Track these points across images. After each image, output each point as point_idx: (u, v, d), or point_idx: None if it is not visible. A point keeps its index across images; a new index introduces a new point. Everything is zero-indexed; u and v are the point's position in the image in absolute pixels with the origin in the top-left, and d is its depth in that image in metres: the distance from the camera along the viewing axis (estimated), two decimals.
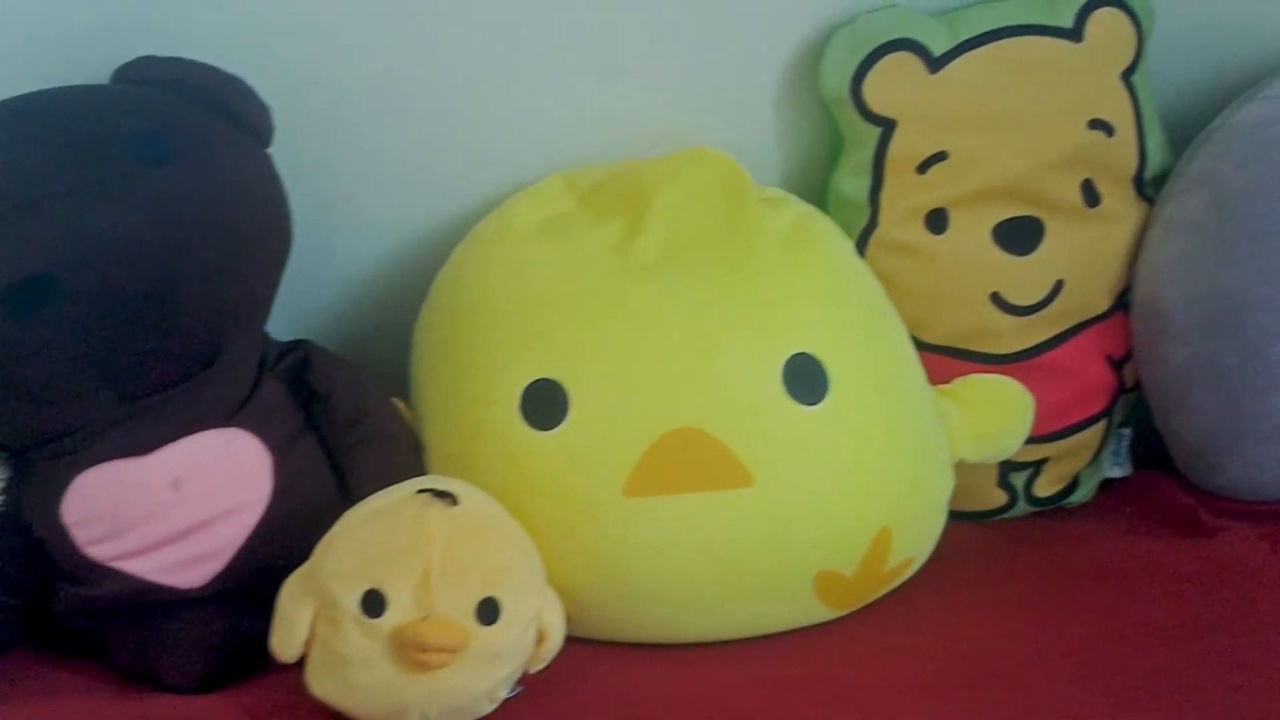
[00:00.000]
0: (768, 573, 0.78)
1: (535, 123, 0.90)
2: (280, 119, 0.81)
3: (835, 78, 0.90)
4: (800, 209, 0.86)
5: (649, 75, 0.92)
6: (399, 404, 0.84)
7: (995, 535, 0.95)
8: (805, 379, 0.78)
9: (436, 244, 0.88)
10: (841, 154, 0.92)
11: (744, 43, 0.92)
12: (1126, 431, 0.99)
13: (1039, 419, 0.93)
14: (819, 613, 0.82)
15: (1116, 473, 1.00)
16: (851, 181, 0.92)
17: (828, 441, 0.78)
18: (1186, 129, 0.96)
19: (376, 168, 0.88)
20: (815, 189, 0.94)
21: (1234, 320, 0.89)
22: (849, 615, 0.84)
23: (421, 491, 0.72)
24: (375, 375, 0.85)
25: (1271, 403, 0.90)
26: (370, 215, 0.89)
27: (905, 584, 0.87)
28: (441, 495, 0.71)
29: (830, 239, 0.85)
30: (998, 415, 0.89)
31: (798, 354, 0.78)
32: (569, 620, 0.77)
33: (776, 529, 0.77)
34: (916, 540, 0.83)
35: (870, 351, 0.82)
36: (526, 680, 0.75)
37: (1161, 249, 0.91)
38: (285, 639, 0.71)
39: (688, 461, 0.76)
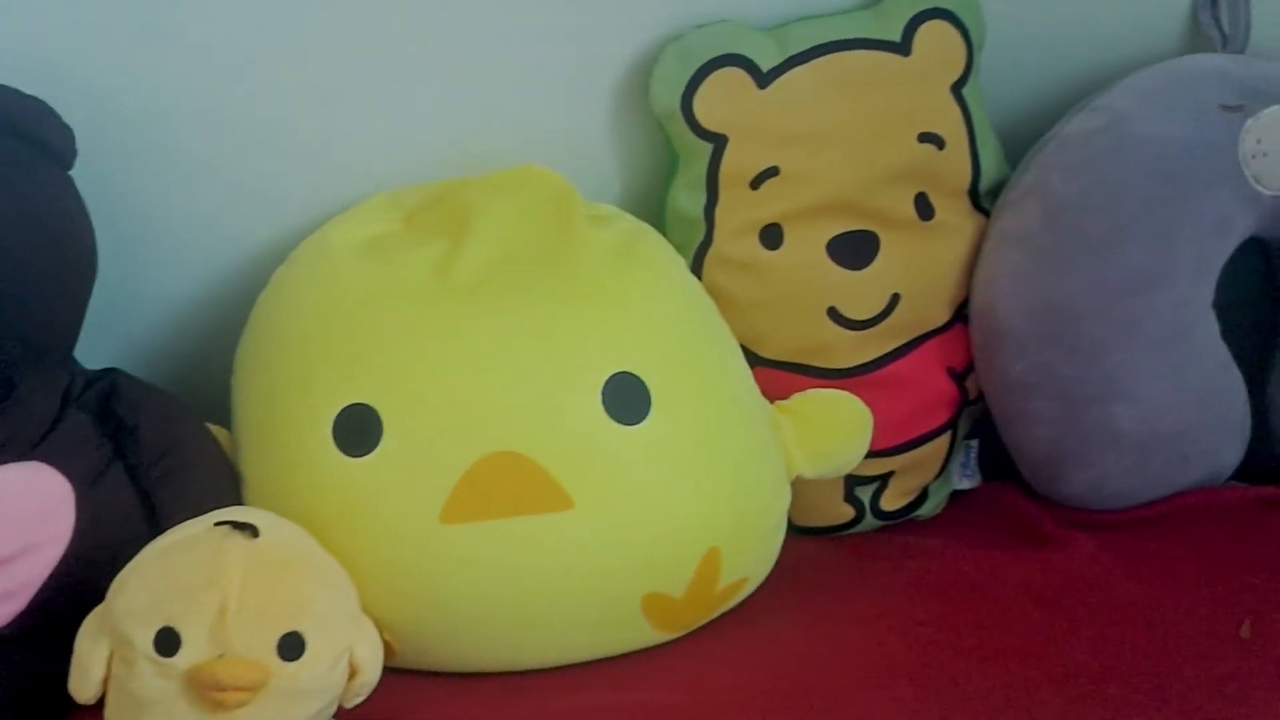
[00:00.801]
0: (593, 597, 0.76)
1: (362, 142, 0.87)
2: (90, 141, 0.78)
3: (666, 94, 0.88)
4: (629, 226, 0.84)
5: (482, 92, 0.89)
6: (219, 433, 0.81)
7: (842, 550, 0.93)
8: (626, 399, 0.76)
9: (261, 267, 0.85)
10: (677, 170, 0.90)
11: (578, 59, 0.90)
12: (974, 443, 0.98)
13: (882, 433, 0.92)
14: (650, 635, 0.79)
15: (965, 484, 0.98)
16: (687, 198, 0.90)
17: (650, 462, 0.76)
18: (1025, 141, 0.95)
19: (195, 190, 0.85)
20: (657, 206, 0.92)
21: (1068, 331, 0.88)
22: (685, 636, 0.82)
23: (220, 524, 0.69)
24: (203, 404, 0.82)
25: (1110, 411, 0.89)
26: (191, 239, 0.86)
27: (745, 602, 0.85)
28: (241, 527, 0.68)
29: (658, 256, 0.83)
30: (835, 431, 0.87)
31: (619, 373, 0.76)
32: (391, 652, 0.74)
33: (599, 552, 0.75)
34: (749, 560, 0.81)
35: (696, 369, 0.79)
36: (342, 716, 0.72)
37: (996, 261, 0.90)
38: (81, 681, 0.68)
39: (505, 486, 0.73)
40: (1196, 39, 0.98)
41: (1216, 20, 0.96)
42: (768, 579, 0.87)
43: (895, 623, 0.84)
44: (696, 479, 0.77)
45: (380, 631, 0.73)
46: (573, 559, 0.75)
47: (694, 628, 0.81)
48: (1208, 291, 0.91)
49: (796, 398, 0.87)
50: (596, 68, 0.90)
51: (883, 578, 0.89)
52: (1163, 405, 0.90)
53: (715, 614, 0.82)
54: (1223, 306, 1.05)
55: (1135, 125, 0.89)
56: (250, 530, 0.68)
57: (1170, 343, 0.89)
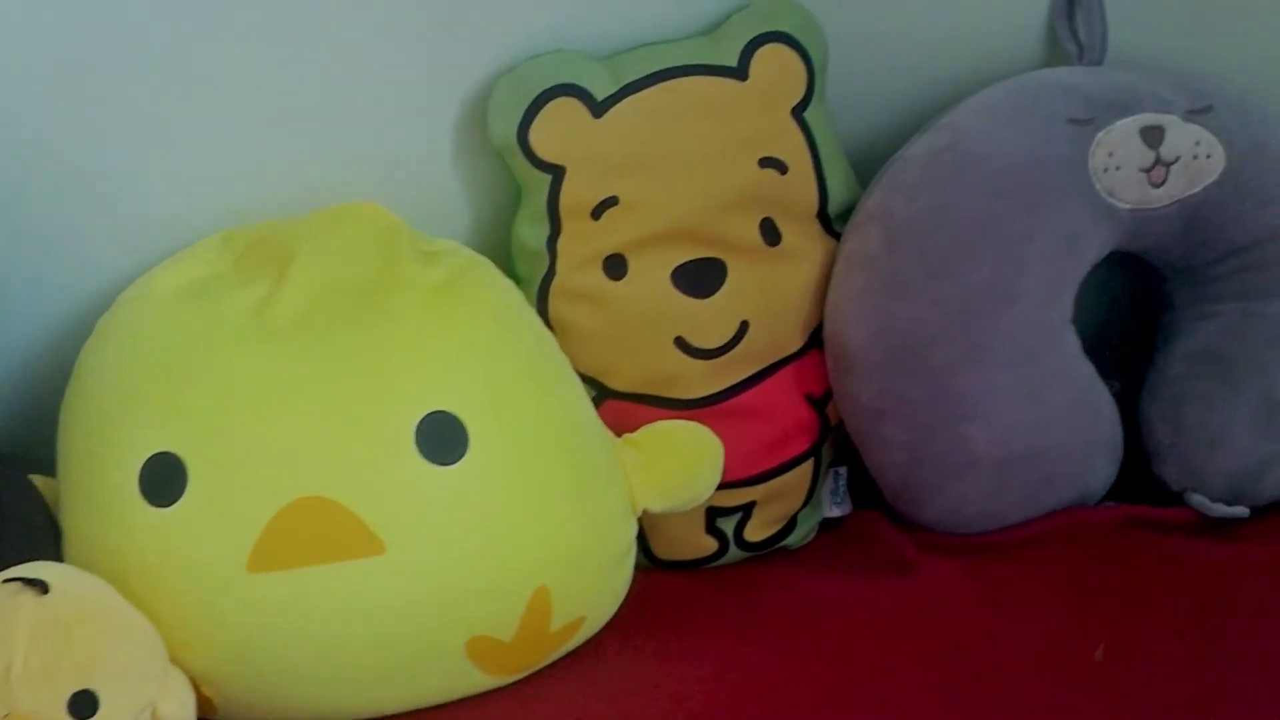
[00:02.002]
0: (414, 643, 0.73)
1: (196, 181, 0.84)
2: None
3: (502, 127, 0.85)
4: (461, 261, 0.81)
5: (323, 128, 0.86)
6: (47, 485, 0.79)
7: (704, 583, 0.90)
8: (441, 438, 0.73)
9: (93, 314, 0.83)
10: (521, 203, 0.88)
11: (419, 93, 0.87)
12: (843, 470, 0.95)
13: (740, 463, 0.89)
14: (481, 681, 0.76)
15: (835, 512, 0.95)
16: (530, 230, 0.87)
17: (467, 502, 0.73)
18: (883, 163, 0.93)
19: (21, 237, 0.83)
20: (508, 239, 0.90)
21: (913, 354, 0.85)
22: (528, 678, 0.79)
23: (10, 580, 0.66)
24: (36, 459, 0.80)
25: (963, 433, 0.86)
26: (17, 287, 0.83)
27: (593, 641, 0.82)
28: (31, 584, 0.66)
29: (486, 291, 0.80)
30: (682, 463, 0.84)
31: (434, 413, 0.73)
32: (211, 707, 0.71)
33: (415, 596, 0.72)
34: (585, 598, 0.79)
35: (518, 406, 0.76)
36: None
37: (841, 286, 0.87)
38: None
39: (314, 532, 0.71)
40: (1055, 52, 0.95)
41: (1074, 32, 0.94)
42: (619, 615, 0.84)
43: (744, 657, 0.81)
44: (519, 517, 0.74)
45: (198, 686, 0.71)
46: (387, 605, 0.72)
47: (531, 670, 0.79)
48: (1063, 309, 0.88)
49: (643, 430, 0.85)
50: (438, 101, 0.87)
51: (740, 610, 0.86)
52: (1019, 425, 0.87)
53: (554, 655, 0.79)
54: (1100, 324, 1.03)
55: (977, 143, 0.86)
56: (39, 586, 0.66)
57: (1022, 362, 0.86)
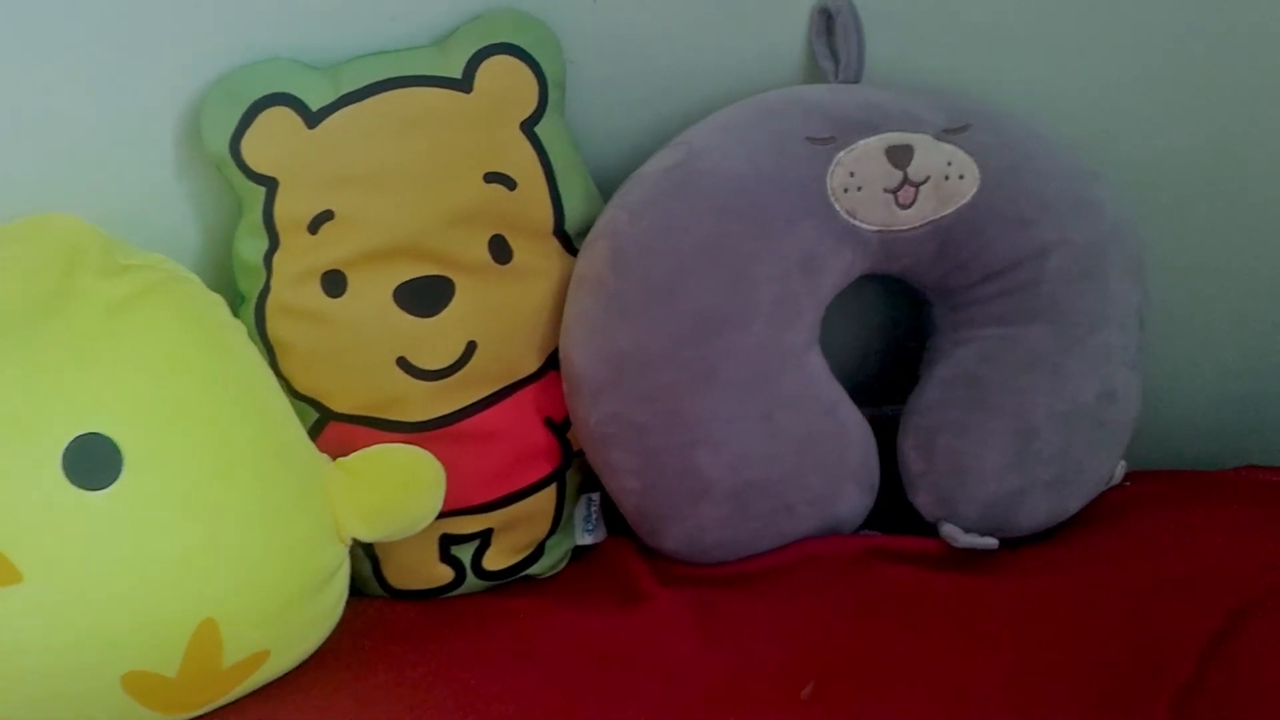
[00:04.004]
0: (61, 676, 0.67)
1: None
2: None
3: (215, 138, 0.79)
4: (153, 278, 0.74)
5: (38, 143, 0.81)
6: None
7: (438, 614, 0.84)
8: (91, 462, 0.67)
9: None
10: (240, 216, 0.83)
11: (137, 104, 0.81)
12: (595, 496, 0.90)
13: (472, 488, 0.84)
14: (150, 717, 0.71)
15: (587, 539, 0.89)
16: (249, 244, 0.82)
17: (119, 529, 0.67)
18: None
19: None
20: None
21: (639, 378, 0.80)
22: (212, 713, 0.73)
23: None
24: None
25: (694, 460, 0.81)
26: None
27: (299, 675, 0.77)
28: None
29: (172, 308, 0.74)
30: (396, 489, 0.78)
31: (85, 435, 0.67)
32: None
33: (58, 628, 0.66)
34: (266, 631, 0.72)
35: (190, 430, 0.70)
36: None
37: (571, 305, 0.82)
38: None
39: None
40: (813, 69, 0.90)
41: (832, 49, 0.89)
42: (335, 648, 0.79)
43: (438, 693, 0.75)
44: (179, 547, 0.68)
45: None
46: (25, 637, 0.65)
47: (211, 707, 0.73)
48: (803, 333, 0.82)
49: (357, 454, 0.79)
50: (157, 113, 0.82)
51: (457, 644, 0.80)
52: (752, 452, 0.81)
53: (236, 691, 0.73)
54: (885, 349, 0.98)
55: (706, 161, 0.81)
56: None
57: (752, 387, 0.81)
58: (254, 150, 0.79)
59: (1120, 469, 0.92)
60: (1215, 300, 1.00)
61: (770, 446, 0.82)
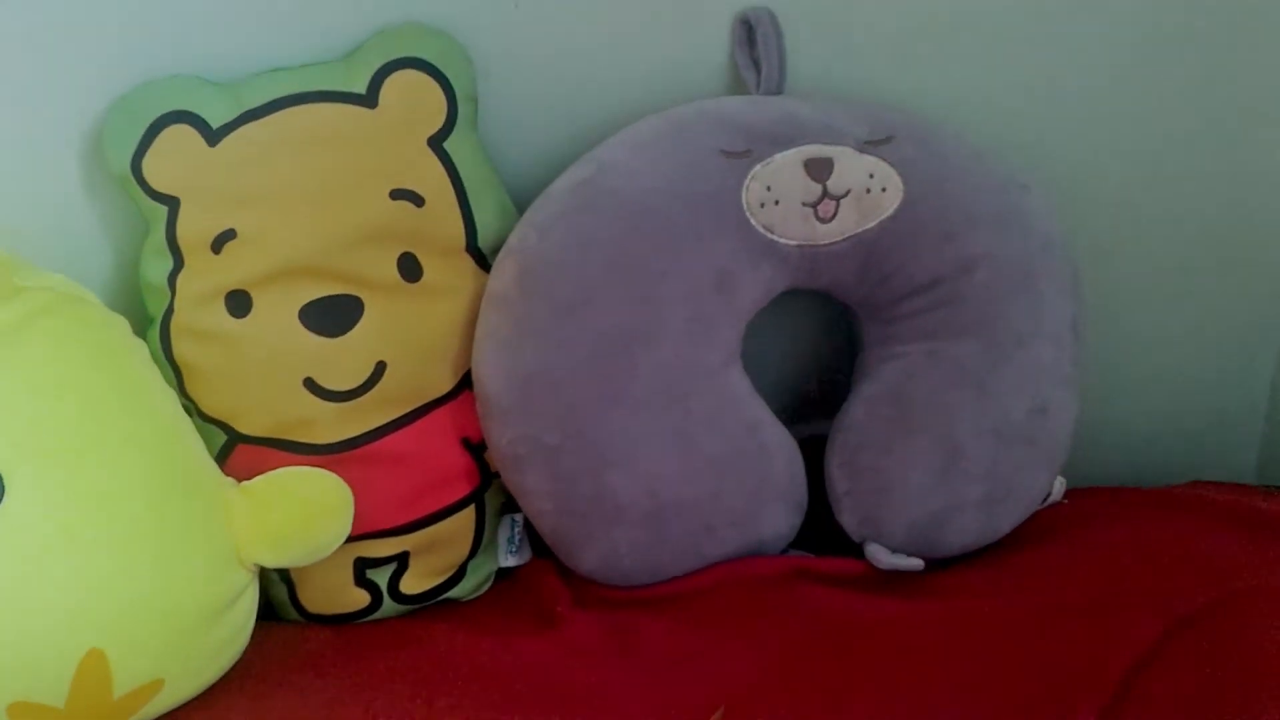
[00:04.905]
0: None
1: None
2: None
3: (116, 156, 0.78)
4: (45, 300, 0.73)
5: None
6: None
7: (353, 638, 0.83)
8: None
9: None
10: (146, 236, 0.82)
11: (40, 121, 0.81)
12: (519, 517, 0.88)
13: (386, 511, 0.82)
14: None
15: (510, 561, 0.88)
16: (153, 265, 0.80)
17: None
18: None
19: None
20: None
21: (548, 399, 0.78)
22: None
23: None
24: None
25: (606, 481, 0.79)
26: None
27: (202, 703, 0.75)
28: None
29: (66, 331, 0.72)
30: (299, 512, 0.77)
31: None
32: None
33: None
34: (158, 660, 0.71)
35: (73, 455, 0.69)
36: None
37: (481, 324, 0.80)
38: None
39: None
40: (737, 80, 0.89)
41: (754, 60, 0.87)
42: (241, 674, 0.77)
43: (353, 715, 0.74)
44: (62, 574, 0.67)
45: None
46: None
47: None
48: (721, 350, 0.81)
49: (261, 478, 0.78)
50: (62, 132, 0.81)
51: (367, 668, 0.78)
52: (666, 473, 0.80)
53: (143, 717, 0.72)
54: (824, 364, 0.97)
55: (614, 177, 0.79)
56: None
57: (665, 406, 0.79)
58: (155, 169, 0.78)
59: (1059, 486, 0.90)
60: (1159, 311, 0.98)
61: (686, 467, 0.80)
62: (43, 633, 0.67)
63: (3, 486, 0.67)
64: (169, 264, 0.80)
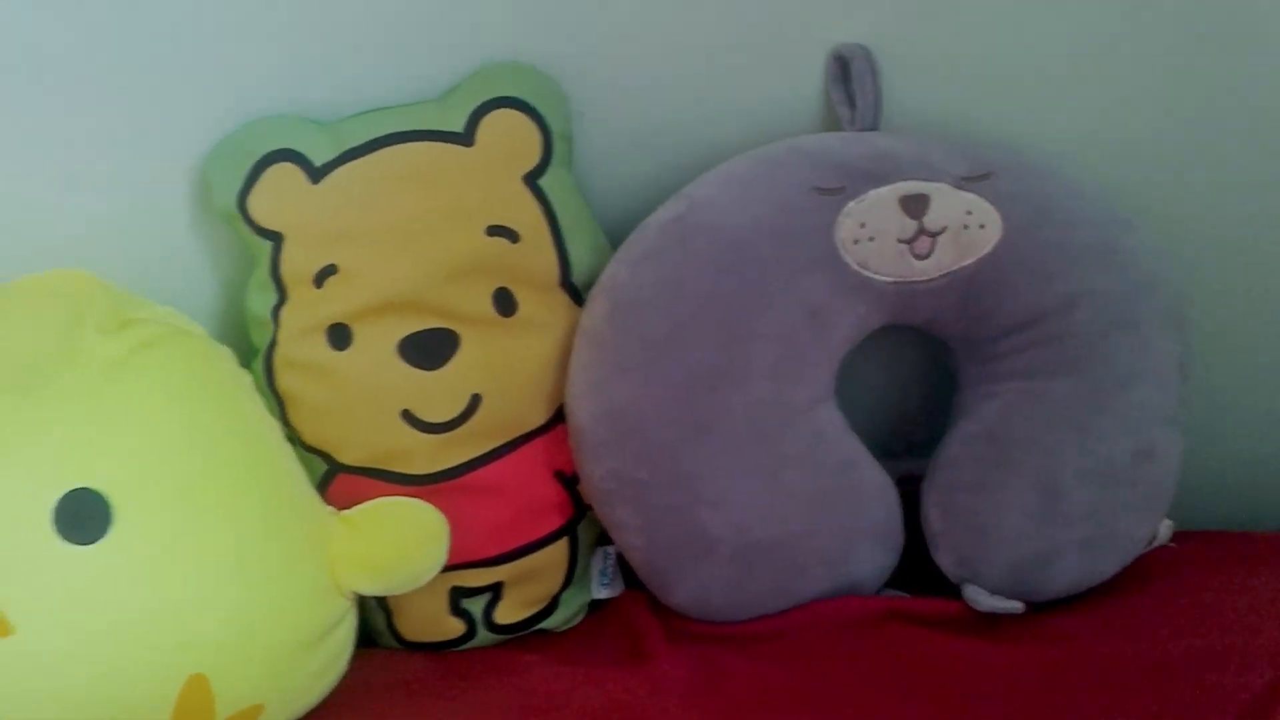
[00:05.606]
0: None
1: None
2: None
3: (223, 192, 0.81)
4: (155, 333, 0.75)
5: (52, 194, 0.83)
6: None
7: (448, 666, 0.84)
8: (81, 516, 0.68)
9: None
10: (251, 270, 0.85)
11: (148, 159, 0.84)
12: (612, 549, 0.89)
13: (480, 542, 0.84)
14: None
15: (604, 593, 0.89)
16: (259, 298, 0.83)
17: (106, 583, 0.68)
18: None
19: None
20: None
21: (638, 435, 0.79)
22: None
23: None
24: None
25: (696, 518, 0.80)
26: None
27: None
28: None
29: (171, 363, 0.75)
30: (397, 542, 0.79)
31: (77, 489, 0.69)
32: None
33: (47, 681, 0.67)
34: (258, 685, 0.73)
35: (181, 484, 0.71)
36: None
37: (574, 359, 0.82)
38: None
39: None
40: (831, 116, 0.89)
41: (849, 96, 0.87)
42: (339, 701, 0.79)
43: None
44: (167, 601, 0.70)
45: None
46: (15, 689, 0.67)
47: None
48: (814, 387, 0.81)
49: (360, 507, 0.79)
50: (167, 170, 0.84)
51: (460, 697, 0.80)
52: (757, 511, 0.80)
53: None
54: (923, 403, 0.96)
55: (707, 213, 0.80)
56: None
57: (754, 444, 0.79)
58: (260, 206, 0.81)
59: (1165, 529, 0.88)
60: (1271, 351, 0.95)
61: (776, 505, 0.80)
62: (147, 657, 0.70)
63: (112, 514, 0.70)
64: (273, 298, 0.83)
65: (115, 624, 0.69)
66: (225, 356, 0.80)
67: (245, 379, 0.80)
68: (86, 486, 0.70)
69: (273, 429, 0.80)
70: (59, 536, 0.69)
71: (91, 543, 0.69)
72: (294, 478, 0.79)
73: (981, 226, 0.82)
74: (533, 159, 0.82)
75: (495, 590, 0.86)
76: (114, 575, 0.69)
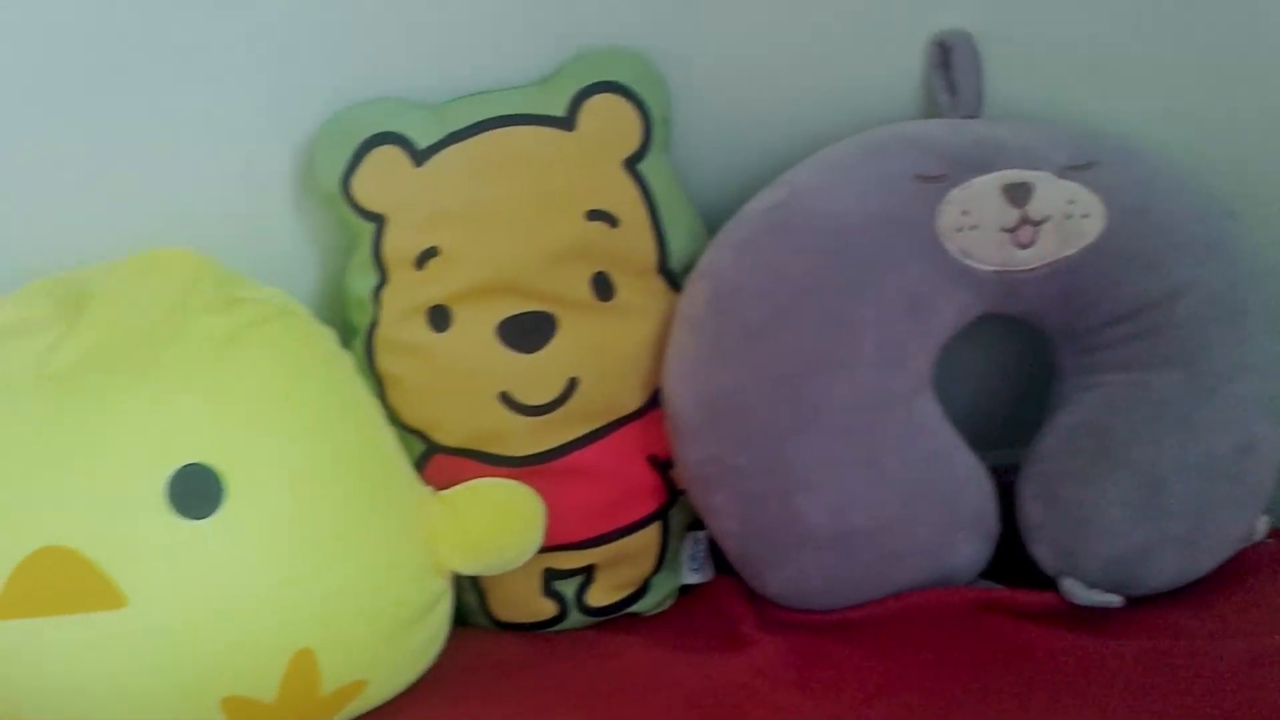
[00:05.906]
0: (160, 699, 0.69)
1: (32, 226, 0.85)
2: None
3: (327, 175, 0.82)
4: (262, 311, 0.77)
5: (157, 183, 0.85)
6: None
7: (538, 648, 0.85)
8: (194, 491, 0.70)
9: None
10: (353, 251, 0.85)
11: (252, 140, 0.85)
12: (702, 535, 0.89)
13: (574, 524, 0.84)
14: None
15: (694, 578, 0.89)
16: (359, 279, 0.84)
17: (218, 558, 0.70)
18: None
19: None
20: None
21: (737, 421, 0.79)
22: None
23: None
24: None
25: (794, 505, 0.80)
26: None
27: (396, 705, 0.78)
28: None
29: (279, 341, 0.76)
30: (494, 523, 0.79)
31: (190, 464, 0.70)
32: None
33: (159, 652, 0.69)
34: (362, 661, 0.74)
35: (291, 461, 0.72)
36: None
37: (673, 344, 0.82)
38: None
39: (55, 582, 0.68)
40: (932, 103, 0.88)
41: (950, 83, 0.87)
42: (436, 678, 0.80)
43: None
44: (277, 576, 0.71)
45: None
46: (128, 659, 0.69)
47: None
48: (912, 375, 0.81)
49: (458, 488, 0.80)
50: (273, 149, 0.85)
51: (553, 678, 0.80)
52: (856, 498, 0.80)
53: (343, 716, 0.75)
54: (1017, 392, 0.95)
55: (808, 200, 0.80)
56: None
57: (855, 431, 0.79)
58: (363, 188, 0.82)
59: (1263, 525, 0.87)
60: None
61: (874, 493, 0.80)
62: (258, 631, 0.71)
63: (224, 490, 0.71)
64: (374, 279, 0.83)
65: (225, 597, 0.70)
66: (328, 337, 0.81)
67: (347, 359, 0.81)
68: (199, 462, 0.71)
69: (375, 409, 0.80)
70: (173, 511, 0.70)
71: (204, 518, 0.70)
72: (396, 457, 0.80)
73: (1085, 216, 0.81)
74: (633, 144, 0.83)
75: (588, 573, 0.86)
76: (225, 550, 0.70)
